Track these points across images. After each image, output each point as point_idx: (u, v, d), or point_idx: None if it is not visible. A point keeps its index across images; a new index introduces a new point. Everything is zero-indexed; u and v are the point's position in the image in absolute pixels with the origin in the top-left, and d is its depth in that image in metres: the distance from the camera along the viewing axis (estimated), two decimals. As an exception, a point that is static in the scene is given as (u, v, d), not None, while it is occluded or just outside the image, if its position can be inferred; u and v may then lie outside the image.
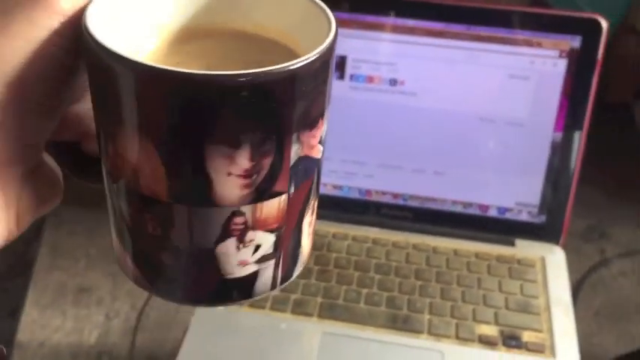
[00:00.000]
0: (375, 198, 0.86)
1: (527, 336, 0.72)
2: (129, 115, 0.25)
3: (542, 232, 0.83)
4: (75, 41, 0.26)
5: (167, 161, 0.25)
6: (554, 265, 0.80)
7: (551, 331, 0.72)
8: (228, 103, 0.23)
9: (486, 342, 0.72)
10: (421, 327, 0.73)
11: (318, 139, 0.27)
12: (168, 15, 0.30)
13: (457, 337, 0.72)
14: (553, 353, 0.70)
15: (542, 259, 0.81)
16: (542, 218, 0.83)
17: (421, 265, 0.80)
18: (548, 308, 0.75)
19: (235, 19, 0.31)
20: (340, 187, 0.87)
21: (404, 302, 0.76)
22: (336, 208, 0.86)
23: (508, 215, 0.84)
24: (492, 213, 0.84)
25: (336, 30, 0.26)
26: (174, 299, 0.30)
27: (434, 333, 0.73)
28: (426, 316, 0.74)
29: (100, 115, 0.27)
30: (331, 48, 0.25)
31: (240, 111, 0.24)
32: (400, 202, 0.86)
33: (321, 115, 0.27)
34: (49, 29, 0.25)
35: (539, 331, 0.73)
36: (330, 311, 0.74)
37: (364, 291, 0.77)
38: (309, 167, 0.28)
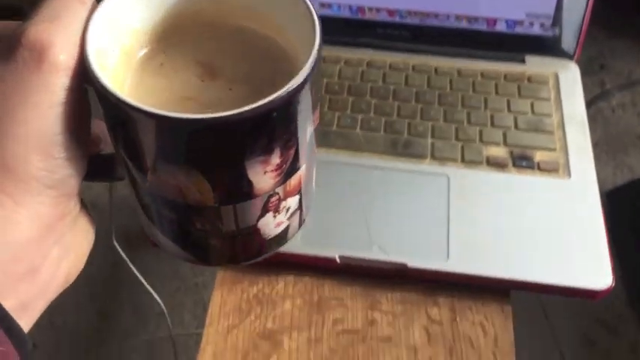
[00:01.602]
0: (368, 16, 0.77)
1: (539, 155, 0.66)
2: (165, 153, 0.28)
3: (555, 46, 0.75)
4: (79, 86, 0.27)
5: (213, 181, 0.29)
6: (568, 81, 0.73)
7: (566, 149, 0.67)
8: (255, 128, 0.28)
9: (495, 164, 0.66)
10: (424, 151, 0.67)
11: (319, 113, 0.33)
12: (152, 15, 0.33)
13: (463, 161, 0.66)
14: (568, 172, 0.65)
15: (556, 76, 0.73)
16: (556, 31, 0.74)
17: (422, 87, 0.73)
18: (561, 126, 0.68)
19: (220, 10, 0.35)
20: (329, 5, 0.76)
21: (404, 126, 0.69)
22: (324, 28, 0.76)
23: (518, 29, 0.75)
24: (501, 27, 0.75)
25: (321, 37, 0.32)
26: (219, 265, 0.39)
27: (438, 157, 0.66)
28: (429, 140, 0.68)
29: (129, 151, 0.30)
30: (319, 57, 0.30)
31: (267, 128, 0.28)
32: (397, 19, 0.76)
33: (320, 97, 0.32)
34: (62, 88, 0.26)
35: (552, 150, 0.67)
36: (322, 139, 0.67)
37: (360, 116, 0.70)
38: (315, 135, 0.33)
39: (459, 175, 0.65)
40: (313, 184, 0.37)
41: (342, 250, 0.60)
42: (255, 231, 0.33)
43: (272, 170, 0.30)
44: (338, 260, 0.60)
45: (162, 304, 1.08)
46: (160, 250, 0.36)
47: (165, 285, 1.17)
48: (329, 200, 0.63)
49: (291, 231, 0.36)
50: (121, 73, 0.32)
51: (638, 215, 1.25)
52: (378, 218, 0.62)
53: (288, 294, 0.61)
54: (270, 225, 0.34)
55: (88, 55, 0.28)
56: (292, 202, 0.34)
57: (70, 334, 1.15)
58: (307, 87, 0.29)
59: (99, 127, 0.32)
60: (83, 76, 0.27)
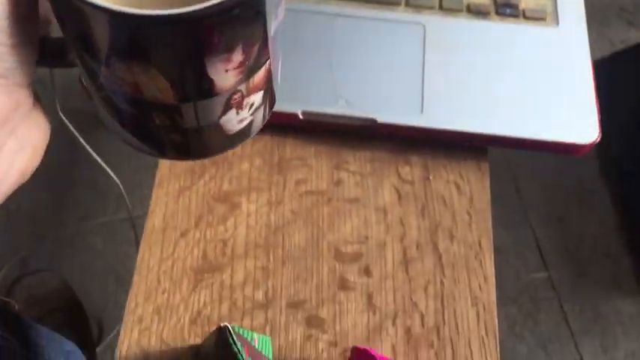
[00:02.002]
0: None
1: (524, 2, 0.59)
2: (119, 50, 0.27)
3: None
4: None
5: (171, 79, 0.28)
6: None
7: (554, -5, 0.60)
8: (215, 25, 0.26)
9: (476, 11, 0.59)
10: (397, -3, 0.59)
11: (285, 5, 0.31)
12: None
13: (441, 8, 0.59)
14: (555, 19, 0.59)
15: None
16: None
17: None
18: (550, -30, 0.61)
19: None
20: None
21: (376, -30, 0.61)
22: None
23: None
24: None
25: None
26: (180, 159, 0.35)
27: (413, 4, 0.59)
28: (403, -14, 0.60)
29: (79, 44, 0.28)
30: None
31: (227, 26, 0.26)
32: None
33: None
34: None
35: (540, -4, 0.60)
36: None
37: (326, -41, 0.61)
38: (281, 26, 0.32)
39: (437, 24, 0.58)
40: (279, 77, 0.36)
41: (305, 105, 0.54)
42: (217, 127, 0.33)
43: (234, 68, 0.29)
44: (300, 116, 0.54)
45: (120, 185, 1.02)
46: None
47: (124, 165, 1.11)
48: (291, 52, 0.56)
49: (254, 126, 0.36)
50: None
51: (618, 89, 1.20)
52: (346, 71, 0.55)
53: (245, 154, 0.55)
54: (233, 121, 0.33)
55: None
56: (256, 98, 0.33)
57: (25, 220, 1.10)
58: None
59: (45, 6, 0.29)
60: None
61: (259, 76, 0.32)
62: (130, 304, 0.48)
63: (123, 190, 1.02)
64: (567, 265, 1.13)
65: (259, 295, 0.49)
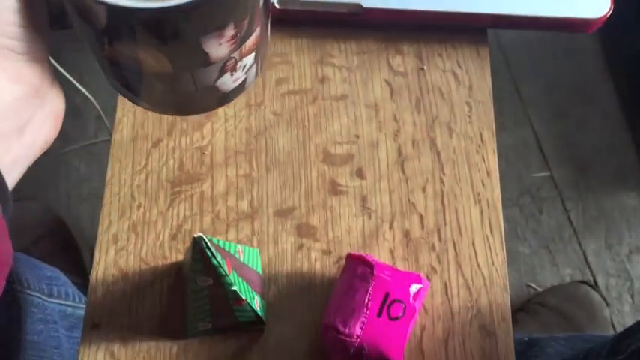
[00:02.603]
0: None
1: None
2: (119, 35, 0.30)
3: None
4: None
5: (169, 55, 0.30)
6: None
7: None
8: (208, 11, 0.29)
9: None
10: None
11: None
12: None
13: None
14: None
15: None
16: None
17: None
18: None
19: None
20: None
21: None
22: None
23: None
24: None
25: None
26: (184, 115, 0.42)
27: None
28: None
29: (82, 28, 0.31)
30: None
31: (219, 9, 0.29)
32: None
33: None
34: None
35: None
36: None
37: None
38: None
39: None
40: (268, 36, 0.37)
41: (281, -6, 0.48)
42: (213, 89, 0.35)
43: (227, 41, 0.31)
44: (277, 5, 0.48)
45: (98, 106, 0.96)
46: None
47: (100, 86, 1.05)
48: None
49: (248, 81, 0.38)
50: None
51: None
52: (325, -48, 0.49)
53: (219, 53, 0.49)
54: (228, 82, 0.36)
55: None
56: (248, 59, 0.35)
57: (4, 147, 1.05)
58: None
59: None
60: None
61: (250, 41, 0.34)
62: (103, 222, 0.44)
63: (101, 112, 0.97)
64: (569, 163, 1.09)
65: (244, 206, 0.45)
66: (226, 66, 0.34)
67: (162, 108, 0.38)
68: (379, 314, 0.38)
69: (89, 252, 0.97)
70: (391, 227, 0.45)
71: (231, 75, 0.35)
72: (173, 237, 0.44)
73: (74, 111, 1.09)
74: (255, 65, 0.37)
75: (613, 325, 0.94)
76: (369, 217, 0.45)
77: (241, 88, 0.38)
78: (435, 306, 0.42)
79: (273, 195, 0.46)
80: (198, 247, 0.33)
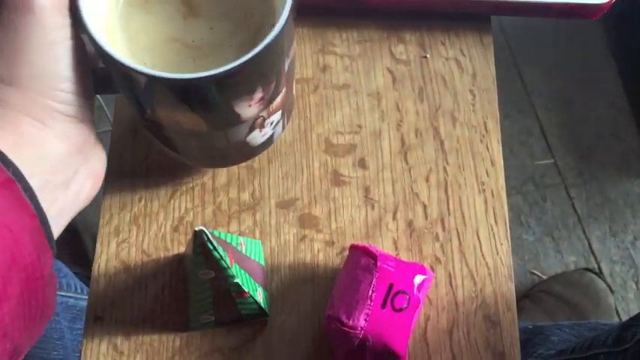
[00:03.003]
0: None
1: None
2: (159, 101, 0.34)
3: None
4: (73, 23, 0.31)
5: (204, 117, 0.35)
6: None
7: None
8: (239, 80, 0.32)
9: None
10: None
11: (295, 44, 0.37)
12: None
13: None
14: None
15: None
16: None
17: None
18: None
19: None
20: None
21: None
22: None
23: None
24: None
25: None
26: (215, 167, 0.45)
27: None
28: None
29: (125, 93, 0.35)
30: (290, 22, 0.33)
31: (250, 77, 0.33)
32: None
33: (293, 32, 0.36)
34: (56, 26, 0.30)
35: None
36: None
37: None
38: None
39: None
40: (293, 92, 0.42)
41: (281, -18, 0.47)
42: (244, 143, 0.39)
43: (255, 103, 0.35)
44: (277, -6, 0.47)
45: (99, 97, 0.96)
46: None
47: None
48: None
49: (275, 135, 0.42)
50: (111, 16, 0.35)
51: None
52: (326, -62, 0.48)
53: (219, 42, 0.49)
54: (257, 137, 0.39)
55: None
56: (275, 117, 0.39)
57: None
58: (286, 30, 0.32)
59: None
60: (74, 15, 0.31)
61: (277, 101, 0.37)
62: (105, 215, 0.44)
63: (102, 102, 0.96)
64: (573, 150, 1.08)
65: (245, 197, 0.45)
66: (255, 124, 0.38)
67: (198, 161, 0.43)
68: (383, 306, 0.37)
69: (92, 242, 0.97)
70: (394, 217, 0.44)
71: (260, 131, 0.39)
72: (175, 229, 0.44)
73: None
74: (282, 121, 0.41)
75: (617, 313, 0.94)
76: (372, 208, 0.45)
77: (270, 141, 0.42)
78: (439, 296, 0.42)
79: (275, 186, 0.45)
80: (199, 241, 0.32)
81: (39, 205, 0.28)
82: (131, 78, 0.32)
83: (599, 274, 0.95)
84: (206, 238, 0.32)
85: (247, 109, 0.35)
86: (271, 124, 0.39)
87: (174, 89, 0.32)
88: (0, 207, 0.25)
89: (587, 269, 0.94)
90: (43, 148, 0.30)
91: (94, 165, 0.34)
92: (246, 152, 0.42)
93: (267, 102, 0.36)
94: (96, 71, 0.34)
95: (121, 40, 0.34)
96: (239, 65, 0.30)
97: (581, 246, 1.02)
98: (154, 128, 0.38)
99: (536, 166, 1.07)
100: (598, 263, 1.00)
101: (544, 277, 0.97)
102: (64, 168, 0.31)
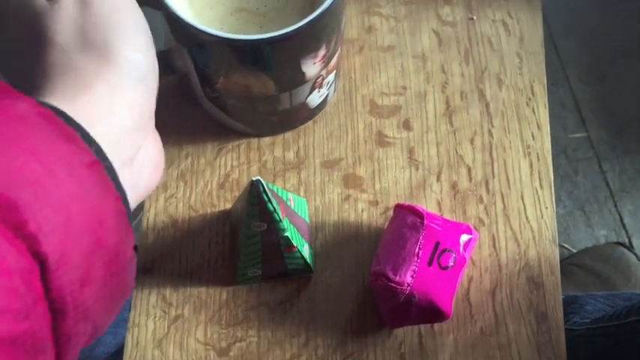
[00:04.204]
0: None
1: None
2: (235, 65, 0.36)
3: None
4: None
5: (275, 78, 0.37)
6: None
7: None
8: (307, 37, 0.35)
9: None
10: None
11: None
12: None
13: None
14: None
15: None
16: None
17: None
18: None
19: None
20: None
21: None
22: None
23: None
24: None
25: None
26: (276, 134, 0.45)
27: None
28: None
29: (208, 68, 0.38)
30: None
31: (316, 35, 0.35)
32: None
33: None
34: None
35: None
36: None
37: None
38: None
39: None
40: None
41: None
42: (304, 105, 0.42)
43: (319, 60, 0.38)
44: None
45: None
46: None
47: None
48: None
49: (329, 97, 0.45)
50: None
51: None
52: None
53: None
54: (315, 98, 0.42)
55: None
56: (331, 76, 0.42)
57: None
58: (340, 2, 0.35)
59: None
60: None
61: (334, 59, 0.40)
62: (152, 170, 0.45)
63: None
64: (607, 123, 1.07)
65: (290, 156, 0.45)
66: (315, 83, 0.40)
67: (260, 129, 0.44)
68: (430, 263, 0.38)
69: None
70: (438, 179, 0.45)
71: (318, 91, 0.41)
72: (221, 186, 0.44)
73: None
74: (334, 82, 0.44)
75: (648, 287, 0.93)
76: (417, 169, 0.45)
77: (323, 104, 0.44)
78: (482, 258, 0.42)
79: (320, 146, 0.45)
80: (255, 191, 0.33)
81: (121, 185, 0.26)
82: (209, 47, 0.34)
83: (631, 247, 0.95)
84: (262, 189, 0.33)
85: (312, 67, 0.37)
86: (328, 84, 0.42)
87: (251, 50, 0.34)
88: (85, 189, 0.23)
89: (619, 243, 0.93)
90: (113, 118, 0.28)
91: (153, 150, 0.32)
92: (304, 115, 0.44)
93: (327, 59, 0.38)
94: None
95: (188, 16, 0.34)
96: (309, 22, 0.33)
97: (612, 220, 1.01)
98: (222, 99, 0.40)
99: (569, 139, 1.06)
100: (629, 237, 1.00)
101: (574, 251, 0.97)
102: (131, 142, 0.29)
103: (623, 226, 1.01)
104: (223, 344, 0.41)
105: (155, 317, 0.41)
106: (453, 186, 0.44)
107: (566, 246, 0.99)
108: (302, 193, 0.44)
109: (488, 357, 0.40)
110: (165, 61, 0.38)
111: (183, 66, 0.40)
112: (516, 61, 0.47)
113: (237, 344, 0.41)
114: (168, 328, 0.41)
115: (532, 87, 0.47)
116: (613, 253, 0.90)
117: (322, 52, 0.37)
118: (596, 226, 1.01)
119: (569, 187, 1.04)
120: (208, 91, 0.41)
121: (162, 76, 0.36)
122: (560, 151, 1.06)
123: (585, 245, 0.98)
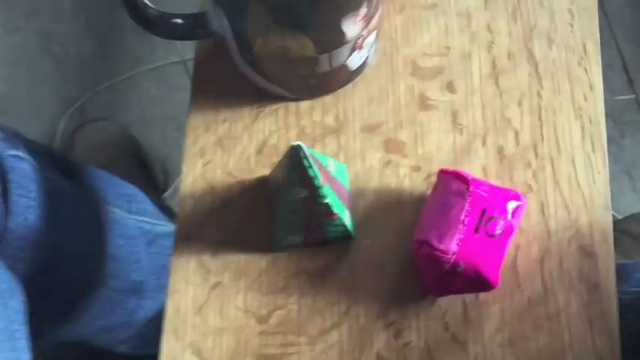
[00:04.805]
0: None
1: None
2: (282, 24, 0.36)
3: None
4: None
5: (314, 39, 0.36)
6: None
7: None
8: None
9: None
10: None
11: None
12: None
13: None
14: None
15: None
16: None
17: None
18: None
19: None
20: None
21: None
22: None
23: None
24: None
25: None
26: (315, 97, 0.44)
27: None
28: None
29: (246, 27, 0.37)
30: None
31: None
32: None
33: None
34: None
35: None
36: None
37: None
38: None
39: None
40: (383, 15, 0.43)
41: None
42: (343, 67, 0.41)
43: (360, 19, 0.37)
44: None
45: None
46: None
47: (167, 3, 1.04)
48: None
49: (369, 59, 0.43)
50: None
51: None
52: None
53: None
54: (355, 60, 0.41)
55: None
56: (372, 37, 0.41)
57: (74, 65, 1.06)
58: None
59: None
60: None
61: (375, 19, 0.39)
62: (190, 135, 0.44)
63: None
64: (657, 85, 1.02)
65: (329, 120, 0.44)
66: (356, 44, 0.39)
67: (299, 92, 0.43)
68: (476, 231, 0.36)
69: (161, 172, 0.99)
70: (484, 143, 0.43)
71: (359, 52, 0.40)
72: (259, 151, 0.43)
73: (140, 30, 1.08)
74: (375, 44, 0.43)
75: (697, 255, 0.90)
76: (461, 133, 0.43)
77: (363, 67, 0.43)
78: (530, 225, 0.41)
79: (360, 110, 0.44)
80: (296, 157, 0.32)
81: None
82: (246, 6, 0.34)
83: (679, 214, 0.91)
84: (303, 155, 0.32)
85: (352, 27, 0.37)
86: (368, 45, 0.41)
87: (289, 8, 0.34)
88: None
89: (667, 209, 0.90)
90: None
91: None
92: (344, 78, 0.42)
93: (368, 19, 0.37)
94: (185, 16, 0.38)
95: None
96: None
97: (660, 185, 0.98)
98: (260, 62, 0.40)
99: (615, 101, 1.02)
100: (678, 204, 0.96)
101: (619, 217, 0.94)
102: None
103: (672, 191, 0.98)
104: (263, 312, 0.40)
105: (195, 284, 0.41)
106: (500, 150, 0.43)
107: (612, 212, 0.96)
108: (341, 159, 0.43)
109: (536, 327, 0.39)
110: (201, 23, 0.38)
111: (220, 29, 0.39)
112: (567, 17, 0.45)
113: (278, 312, 0.40)
114: (209, 295, 0.41)
115: (584, 45, 0.44)
116: (661, 220, 0.87)
117: (363, 10, 0.36)
118: (643, 192, 0.98)
119: (615, 151, 1.00)
120: (246, 54, 0.40)
121: (200, 39, 0.36)
122: (607, 113, 1.02)
123: (631, 211, 0.95)
